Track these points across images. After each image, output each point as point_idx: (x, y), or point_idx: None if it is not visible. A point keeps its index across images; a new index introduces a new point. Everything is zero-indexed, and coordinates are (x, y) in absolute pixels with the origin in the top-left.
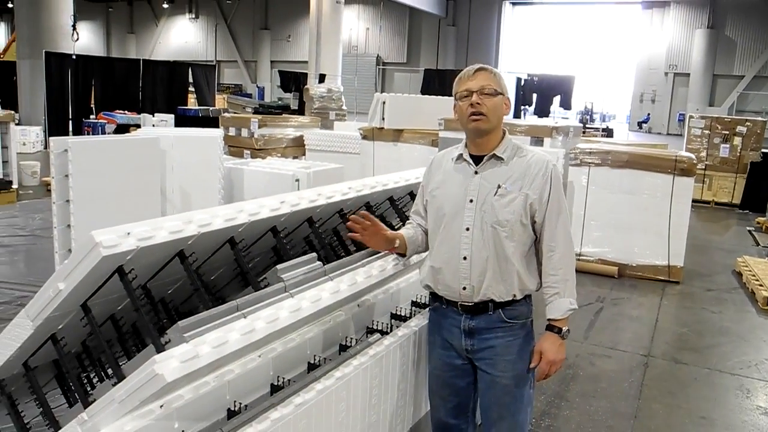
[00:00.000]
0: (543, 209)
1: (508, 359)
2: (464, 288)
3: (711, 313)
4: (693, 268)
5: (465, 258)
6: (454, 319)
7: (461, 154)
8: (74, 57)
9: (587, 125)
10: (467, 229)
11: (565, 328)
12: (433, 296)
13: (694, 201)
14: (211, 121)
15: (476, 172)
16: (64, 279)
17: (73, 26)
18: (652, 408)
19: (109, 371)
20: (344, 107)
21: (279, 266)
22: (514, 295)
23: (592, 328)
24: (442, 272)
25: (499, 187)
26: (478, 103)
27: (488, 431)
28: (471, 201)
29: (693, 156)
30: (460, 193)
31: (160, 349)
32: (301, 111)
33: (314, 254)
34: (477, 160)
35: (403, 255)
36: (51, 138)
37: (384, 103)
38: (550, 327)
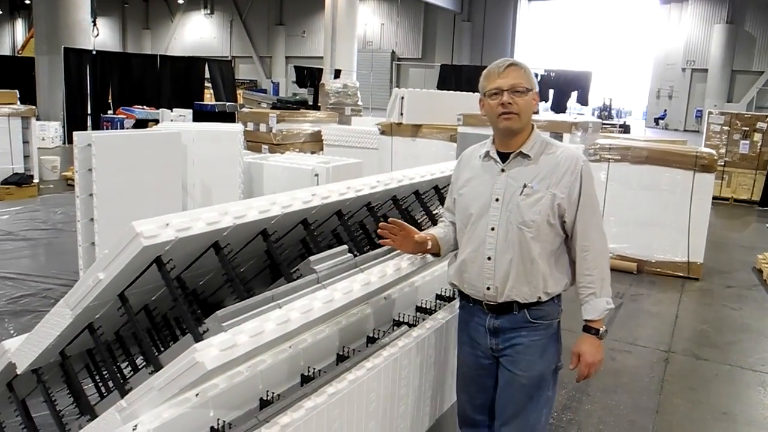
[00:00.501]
0: (573, 208)
1: (529, 359)
2: (488, 288)
3: (731, 310)
4: (712, 265)
5: (489, 258)
6: (480, 318)
7: (488, 152)
8: (95, 53)
9: (606, 122)
10: (492, 229)
11: (602, 329)
12: (461, 294)
13: (712, 198)
14: (227, 117)
15: (503, 170)
16: (104, 269)
17: (93, 22)
18: (673, 403)
19: (138, 361)
20: (360, 102)
21: (312, 258)
22: (539, 297)
23: (612, 323)
24: (468, 271)
25: (525, 186)
26: (509, 103)
27: (499, 428)
28: (497, 200)
29: (714, 152)
30: (486, 192)
31: (198, 338)
32: (315, 106)
33: (345, 246)
34: (504, 157)
35: (437, 255)
36: (74, 132)
37: (402, 98)
38: (587, 328)
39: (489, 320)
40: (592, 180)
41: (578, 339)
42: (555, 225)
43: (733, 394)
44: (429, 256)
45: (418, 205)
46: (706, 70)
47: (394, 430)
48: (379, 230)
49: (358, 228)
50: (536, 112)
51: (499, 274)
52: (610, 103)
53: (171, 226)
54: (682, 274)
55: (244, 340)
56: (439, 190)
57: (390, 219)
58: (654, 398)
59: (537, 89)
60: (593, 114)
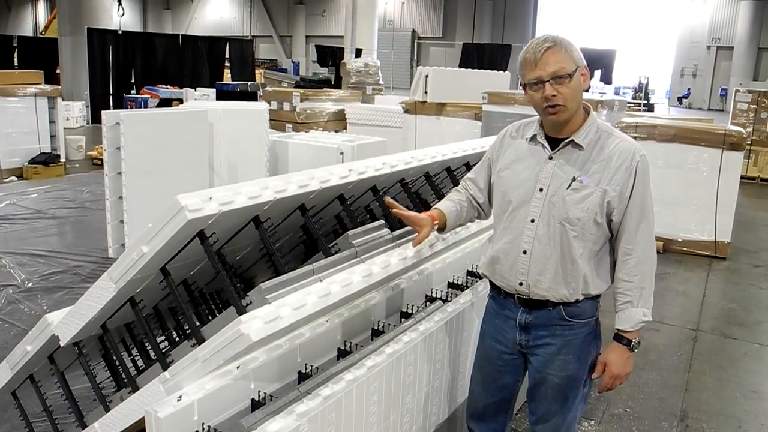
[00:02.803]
0: (622, 207)
1: (563, 358)
2: (520, 284)
3: (759, 289)
4: (739, 244)
5: (525, 252)
6: (511, 311)
7: (536, 135)
8: (120, 33)
9: (642, 102)
10: (532, 221)
11: (635, 340)
12: (491, 284)
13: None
14: (249, 96)
15: (550, 158)
16: (147, 242)
17: (119, 1)
18: (702, 381)
19: (173, 335)
20: (381, 82)
21: (350, 232)
22: (577, 300)
23: None
24: (500, 262)
25: (573, 179)
26: (553, 95)
27: (533, 426)
28: (541, 190)
29: (742, 130)
30: (530, 179)
31: (241, 310)
32: (337, 85)
33: (382, 221)
34: (554, 143)
35: (441, 230)
36: (103, 112)
37: (427, 76)
38: (618, 337)
39: (521, 315)
40: (648, 178)
41: (607, 347)
42: (602, 224)
43: (762, 373)
44: (463, 233)
45: (450, 181)
46: (731, 48)
47: (429, 404)
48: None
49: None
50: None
51: (533, 271)
52: (647, 83)
53: (214, 199)
54: (708, 253)
55: (287, 313)
56: (470, 167)
57: (394, 212)
58: (683, 376)
59: (583, 63)
60: (619, 94)
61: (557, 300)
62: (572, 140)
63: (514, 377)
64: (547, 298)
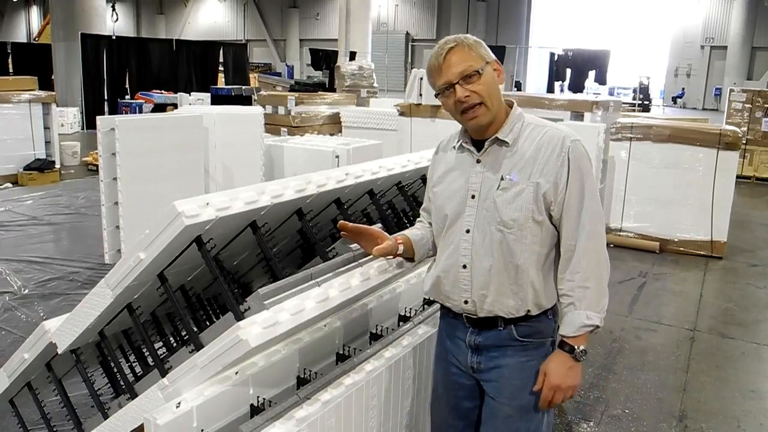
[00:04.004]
0: (560, 199)
1: (516, 384)
2: (465, 302)
3: (756, 288)
4: (735, 243)
5: (465, 267)
6: (461, 332)
7: (461, 142)
8: (114, 38)
9: (642, 103)
10: (467, 232)
11: (579, 347)
12: (441, 305)
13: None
14: (244, 100)
15: (478, 161)
16: (144, 249)
17: (113, 6)
18: (700, 381)
19: (171, 341)
20: (375, 84)
21: None
22: (528, 311)
23: (636, 302)
24: (442, 281)
25: (502, 179)
26: (467, 96)
27: None
28: (473, 197)
29: (738, 129)
30: (461, 187)
31: (239, 316)
32: (332, 88)
33: (380, 225)
34: (480, 145)
35: (411, 260)
36: (98, 117)
37: (421, 79)
38: (561, 344)
39: (470, 335)
40: (586, 163)
41: (549, 355)
42: (544, 222)
43: (760, 372)
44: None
45: None
46: (725, 48)
47: (429, 407)
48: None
49: (388, 207)
50: (552, 92)
51: (476, 285)
52: (648, 84)
53: (211, 205)
54: (705, 253)
55: (285, 318)
56: None
57: (345, 224)
58: (681, 376)
59: (493, 57)
60: (613, 94)
61: (506, 315)
62: (497, 137)
63: (473, 402)
64: (495, 313)
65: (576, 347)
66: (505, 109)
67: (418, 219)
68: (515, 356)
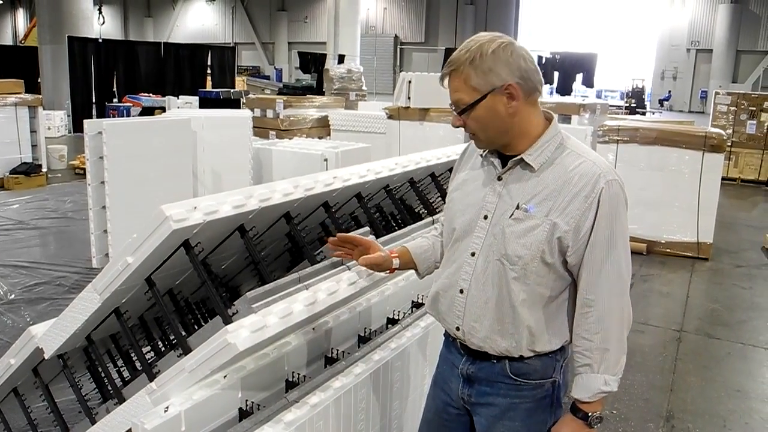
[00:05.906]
0: (580, 246)
1: (508, 425)
2: (457, 328)
3: (741, 289)
4: (721, 244)
5: (462, 291)
6: (456, 357)
7: (486, 152)
8: (101, 41)
9: (638, 109)
10: (472, 254)
11: (594, 414)
12: None
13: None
14: (232, 103)
15: (499, 179)
16: (132, 253)
17: (99, 9)
18: (687, 381)
19: (159, 346)
20: (364, 87)
21: None
22: (521, 356)
23: None
24: (440, 300)
25: (518, 207)
26: (460, 124)
27: None
28: (485, 218)
29: (723, 132)
30: (476, 203)
31: (227, 320)
32: (320, 91)
33: (367, 228)
34: (506, 161)
35: (417, 273)
36: (85, 120)
37: (410, 82)
38: (574, 409)
39: (463, 364)
40: (620, 209)
41: (560, 419)
42: (554, 265)
43: (745, 372)
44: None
45: (434, 187)
46: (710, 51)
47: (417, 409)
48: (328, 244)
49: (376, 210)
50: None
51: (469, 316)
52: (642, 87)
53: (199, 209)
54: (691, 254)
55: (273, 322)
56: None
57: (339, 235)
58: (668, 377)
59: (502, 82)
60: (601, 97)
61: (496, 354)
62: (522, 158)
63: (464, 431)
64: (484, 350)
65: (590, 414)
66: (543, 124)
67: (434, 227)
68: (507, 396)
